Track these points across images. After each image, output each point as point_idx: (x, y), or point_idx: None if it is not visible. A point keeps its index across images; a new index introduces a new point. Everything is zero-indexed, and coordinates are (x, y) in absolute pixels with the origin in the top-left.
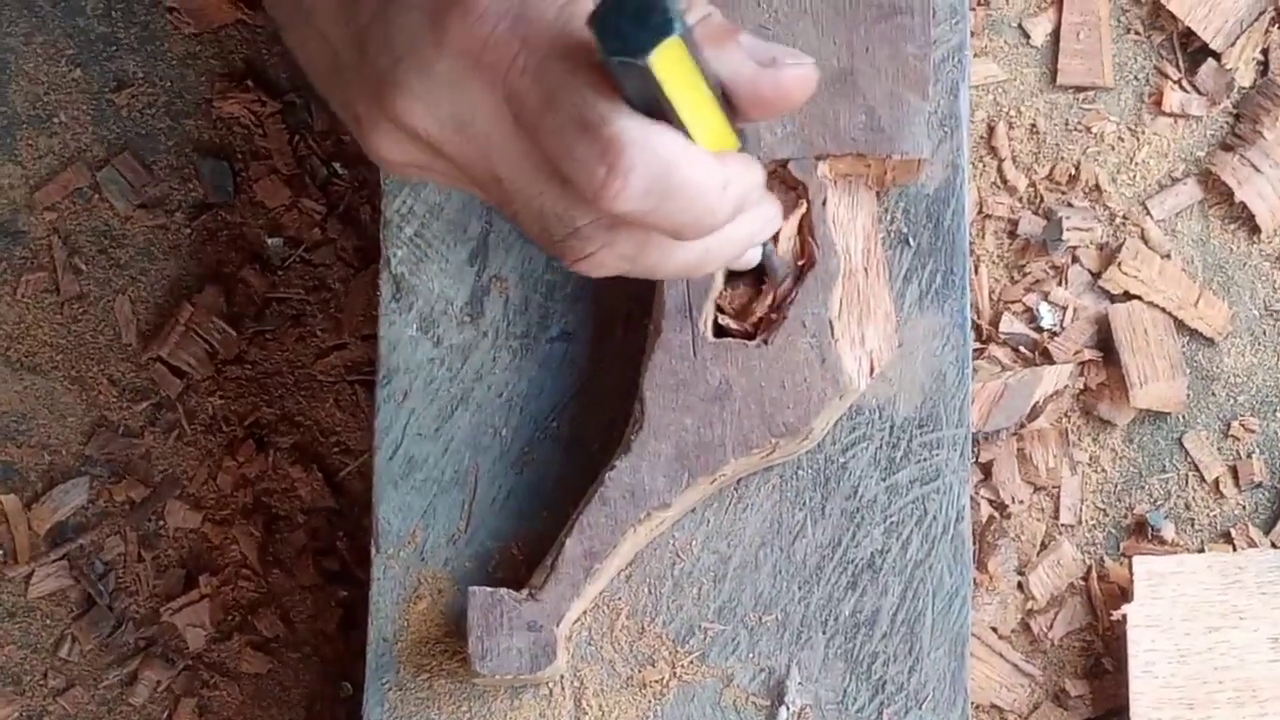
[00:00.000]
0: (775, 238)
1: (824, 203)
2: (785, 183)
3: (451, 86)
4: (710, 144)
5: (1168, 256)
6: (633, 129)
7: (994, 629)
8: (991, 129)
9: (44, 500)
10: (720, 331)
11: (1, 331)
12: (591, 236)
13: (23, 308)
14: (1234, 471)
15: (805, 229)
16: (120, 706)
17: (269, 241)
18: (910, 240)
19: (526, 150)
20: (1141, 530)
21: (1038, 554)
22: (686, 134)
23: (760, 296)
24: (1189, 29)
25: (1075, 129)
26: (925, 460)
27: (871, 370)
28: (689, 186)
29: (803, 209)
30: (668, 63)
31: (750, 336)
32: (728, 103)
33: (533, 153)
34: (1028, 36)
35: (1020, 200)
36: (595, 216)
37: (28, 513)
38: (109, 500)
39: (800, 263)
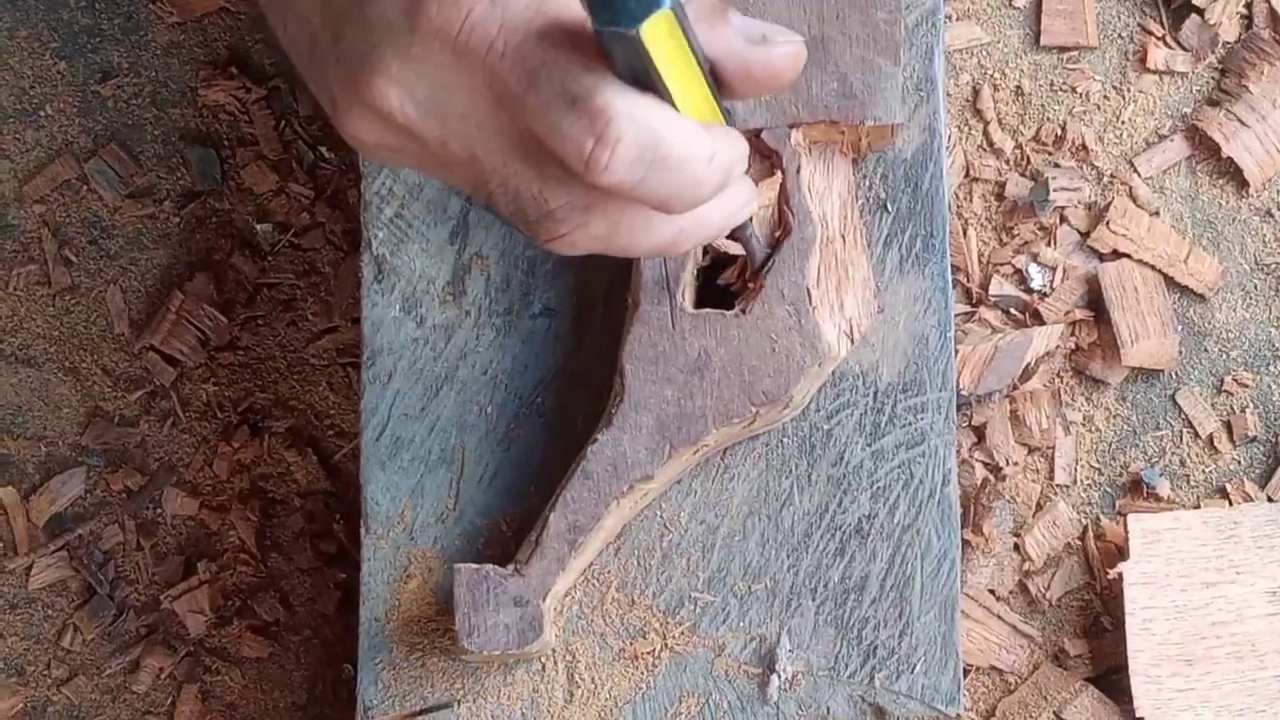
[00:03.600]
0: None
1: (798, 171)
2: (759, 152)
3: (428, 70)
4: (697, 117)
5: (1156, 214)
6: (620, 99)
7: (991, 591)
8: (976, 92)
9: (42, 491)
10: (702, 301)
11: None
12: (565, 218)
13: (15, 301)
14: (1228, 427)
15: (781, 198)
16: (124, 694)
17: (258, 227)
18: (889, 205)
19: (503, 130)
20: (1137, 488)
21: (1033, 515)
22: (674, 106)
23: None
24: None
25: (1060, 89)
26: (910, 424)
27: (851, 337)
28: (676, 157)
29: (778, 178)
30: (658, 35)
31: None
32: (716, 80)
33: (509, 132)
34: None
35: (1007, 162)
36: (570, 197)
37: (26, 504)
38: (106, 490)
39: (776, 232)
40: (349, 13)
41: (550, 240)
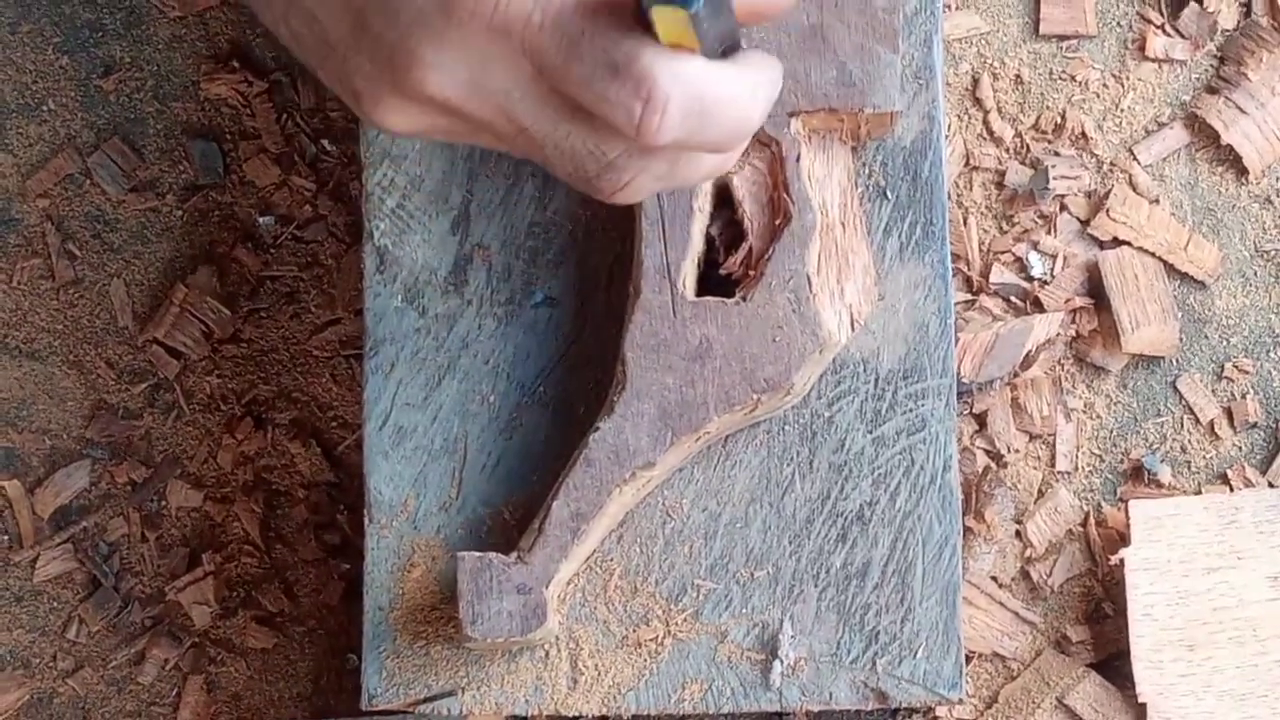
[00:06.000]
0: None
1: (798, 159)
2: (759, 140)
3: (465, 51)
4: None
5: (1156, 201)
6: (661, 61)
7: (993, 578)
8: (976, 81)
9: (46, 484)
10: (703, 289)
11: None
12: (625, 166)
13: (19, 295)
14: (1229, 413)
15: (780, 186)
16: (129, 686)
17: (260, 220)
18: (888, 193)
19: (548, 97)
20: (1138, 475)
21: (1035, 502)
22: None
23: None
24: None
25: (1060, 78)
26: (911, 411)
27: (852, 323)
28: (723, 103)
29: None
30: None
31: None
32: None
33: (554, 98)
34: None
35: (1007, 151)
36: (626, 144)
37: (31, 497)
38: (111, 482)
39: (777, 220)
40: (371, 5)
41: (614, 192)
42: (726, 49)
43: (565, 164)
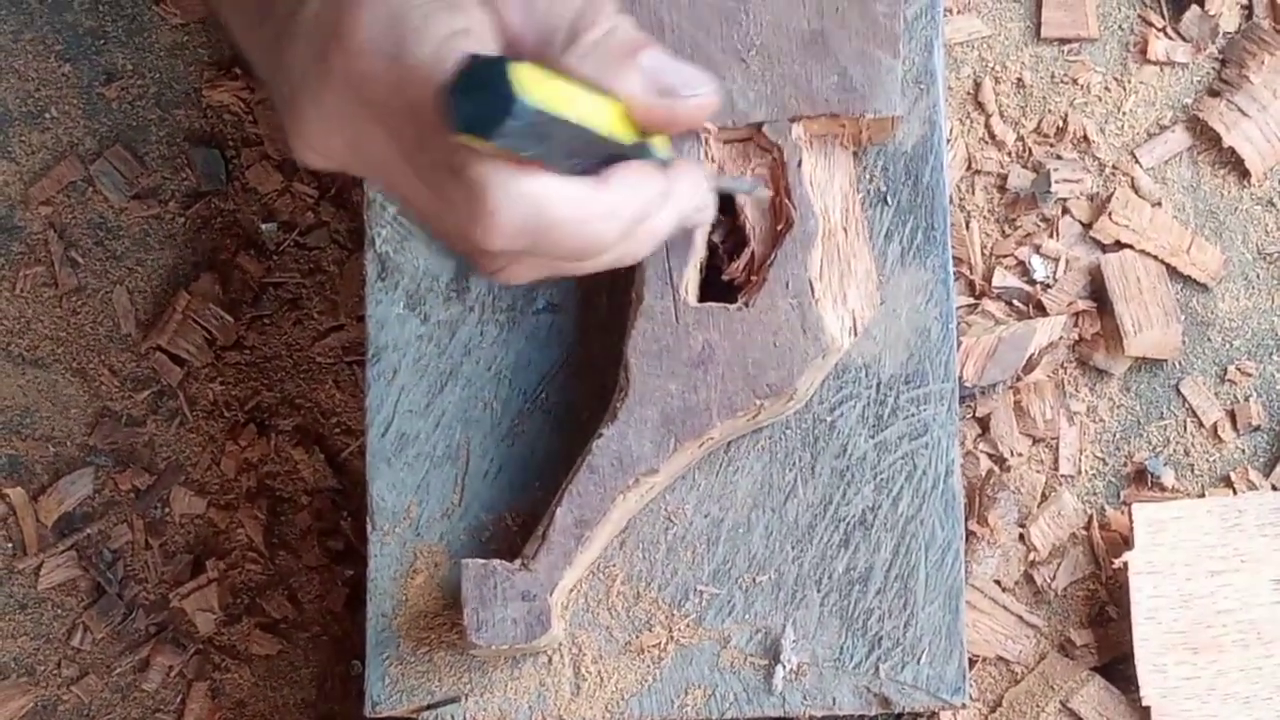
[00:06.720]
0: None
1: (799, 164)
2: (760, 146)
3: (341, 116)
4: (617, 132)
5: (1158, 204)
6: (494, 173)
7: (997, 582)
8: (978, 85)
9: (50, 492)
10: (705, 295)
11: (2, 326)
12: (495, 255)
13: (22, 302)
14: (1232, 416)
15: (782, 191)
16: (134, 692)
17: (263, 227)
18: (889, 198)
19: (419, 175)
20: (1141, 478)
21: (1038, 505)
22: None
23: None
24: None
25: (1061, 81)
26: (913, 416)
27: (854, 328)
28: (565, 223)
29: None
30: (518, 135)
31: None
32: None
33: (424, 178)
34: None
35: (1009, 155)
36: None
37: (35, 505)
38: (115, 489)
39: (779, 226)
40: (272, 57)
41: (491, 275)
42: (599, 164)
43: (442, 236)
